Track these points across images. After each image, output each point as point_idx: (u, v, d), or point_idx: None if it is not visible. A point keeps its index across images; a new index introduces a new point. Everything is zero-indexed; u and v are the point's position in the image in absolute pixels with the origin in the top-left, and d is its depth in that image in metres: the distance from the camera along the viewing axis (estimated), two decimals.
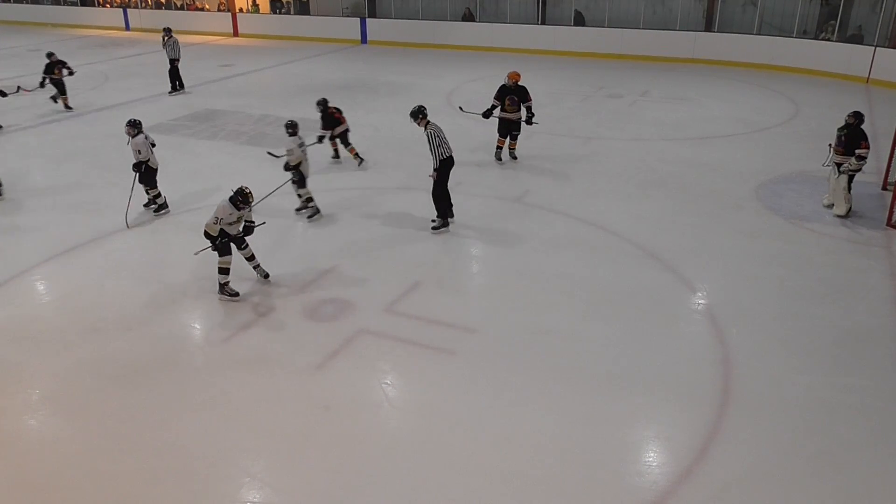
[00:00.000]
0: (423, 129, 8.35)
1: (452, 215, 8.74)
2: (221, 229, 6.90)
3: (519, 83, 10.64)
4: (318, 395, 5.65)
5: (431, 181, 8.46)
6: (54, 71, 14.42)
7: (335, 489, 4.73)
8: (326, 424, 5.34)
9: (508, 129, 10.87)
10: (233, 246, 7.05)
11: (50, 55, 14.47)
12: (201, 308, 7.02)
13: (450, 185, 8.50)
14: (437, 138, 8.24)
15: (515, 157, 11.19)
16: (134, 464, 4.94)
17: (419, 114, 8.35)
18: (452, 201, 8.71)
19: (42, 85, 14.43)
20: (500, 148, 11.11)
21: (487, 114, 10.69)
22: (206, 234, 6.94)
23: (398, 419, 5.49)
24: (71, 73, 14.70)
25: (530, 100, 10.73)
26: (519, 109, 10.69)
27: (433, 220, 8.62)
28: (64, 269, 7.86)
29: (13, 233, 8.79)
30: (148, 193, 9.19)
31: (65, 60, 14.67)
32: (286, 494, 4.71)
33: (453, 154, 8.46)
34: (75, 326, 6.67)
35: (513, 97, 10.58)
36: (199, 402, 5.60)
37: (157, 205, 9.23)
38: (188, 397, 5.67)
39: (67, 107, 14.89)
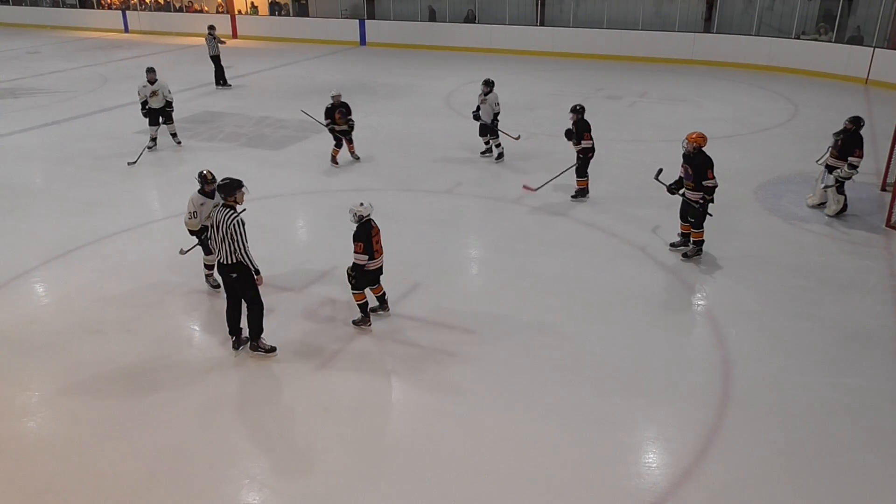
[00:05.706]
0: (227, 215, 5.78)
1: (241, 343, 6.17)
2: (204, 226, 6.85)
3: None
4: (317, 397, 5.64)
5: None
6: None
7: (335, 491, 4.73)
8: (326, 426, 5.33)
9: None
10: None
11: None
12: (200, 309, 7.02)
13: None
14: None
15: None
16: (133, 466, 4.93)
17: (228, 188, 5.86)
18: (251, 322, 6.12)
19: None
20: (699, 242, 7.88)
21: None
22: (190, 231, 7.00)
23: (397, 421, 5.48)
24: None
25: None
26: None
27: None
28: (63, 271, 7.85)
29: (12, 235, 8.79)
30: None
31: None
32: (286, 496, 4.70)
33: (237, 260, 5.82)
34: (74, 328, 6.67)
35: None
36: (198, 404, 5.60)
37: None
38: (187, 399, 5.66)
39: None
